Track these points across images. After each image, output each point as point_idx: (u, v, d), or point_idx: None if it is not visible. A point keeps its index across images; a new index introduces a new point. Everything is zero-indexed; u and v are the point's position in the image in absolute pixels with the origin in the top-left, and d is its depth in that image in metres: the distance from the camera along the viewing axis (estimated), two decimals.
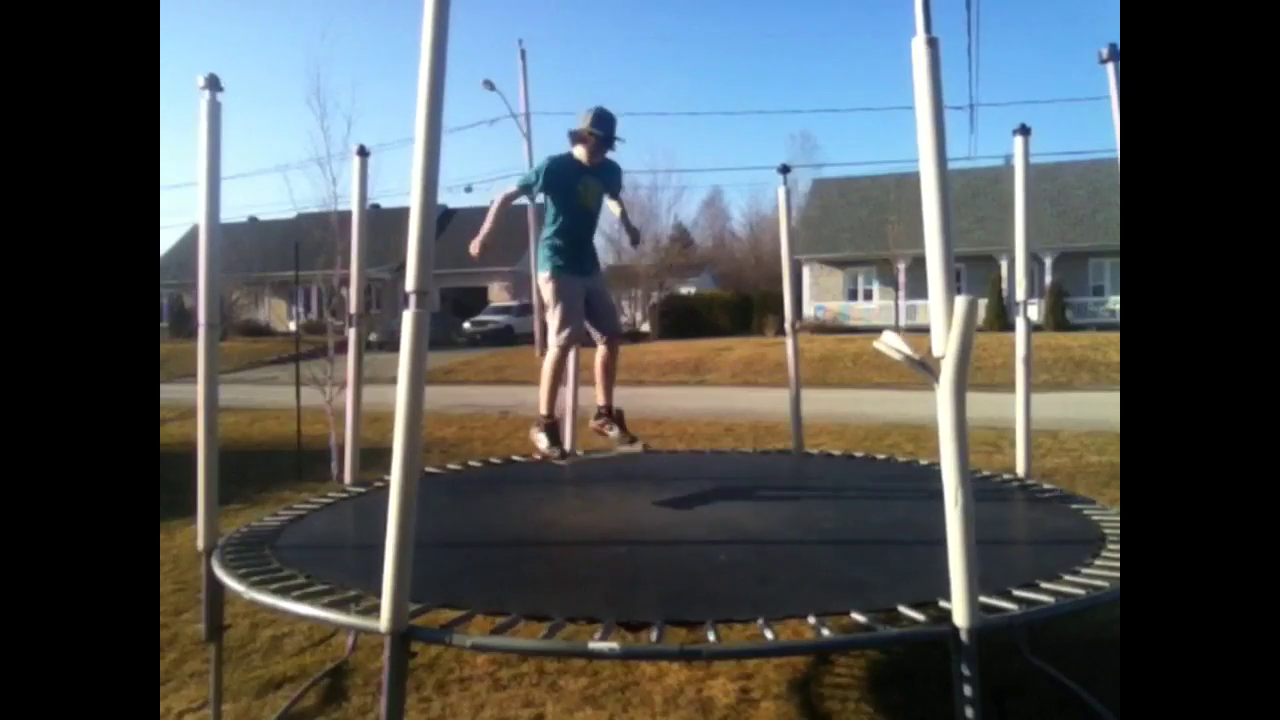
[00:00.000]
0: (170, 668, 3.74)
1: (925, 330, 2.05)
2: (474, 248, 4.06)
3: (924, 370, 2.03)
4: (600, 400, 4.15)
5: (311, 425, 8.60)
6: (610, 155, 4.13)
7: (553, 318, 3.98)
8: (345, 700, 3.43)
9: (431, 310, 2.43)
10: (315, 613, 2.41)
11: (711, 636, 2.18)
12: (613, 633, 2.17)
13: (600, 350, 4.14)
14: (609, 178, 4.16)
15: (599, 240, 4.71)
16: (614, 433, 4.13)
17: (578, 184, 3.98)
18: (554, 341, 3.98)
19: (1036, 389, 4.04)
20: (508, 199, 4.05)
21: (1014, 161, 4.02)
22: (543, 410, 4.03)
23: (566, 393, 4.44)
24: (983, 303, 26.50)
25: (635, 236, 4.47)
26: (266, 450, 9.59)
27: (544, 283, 4.01)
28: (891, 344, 2.19)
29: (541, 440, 4.04)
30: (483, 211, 4.21)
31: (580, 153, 4.00)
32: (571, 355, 4.87)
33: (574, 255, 4.03)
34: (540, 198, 4.03)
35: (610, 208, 4.27)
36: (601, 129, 3.94)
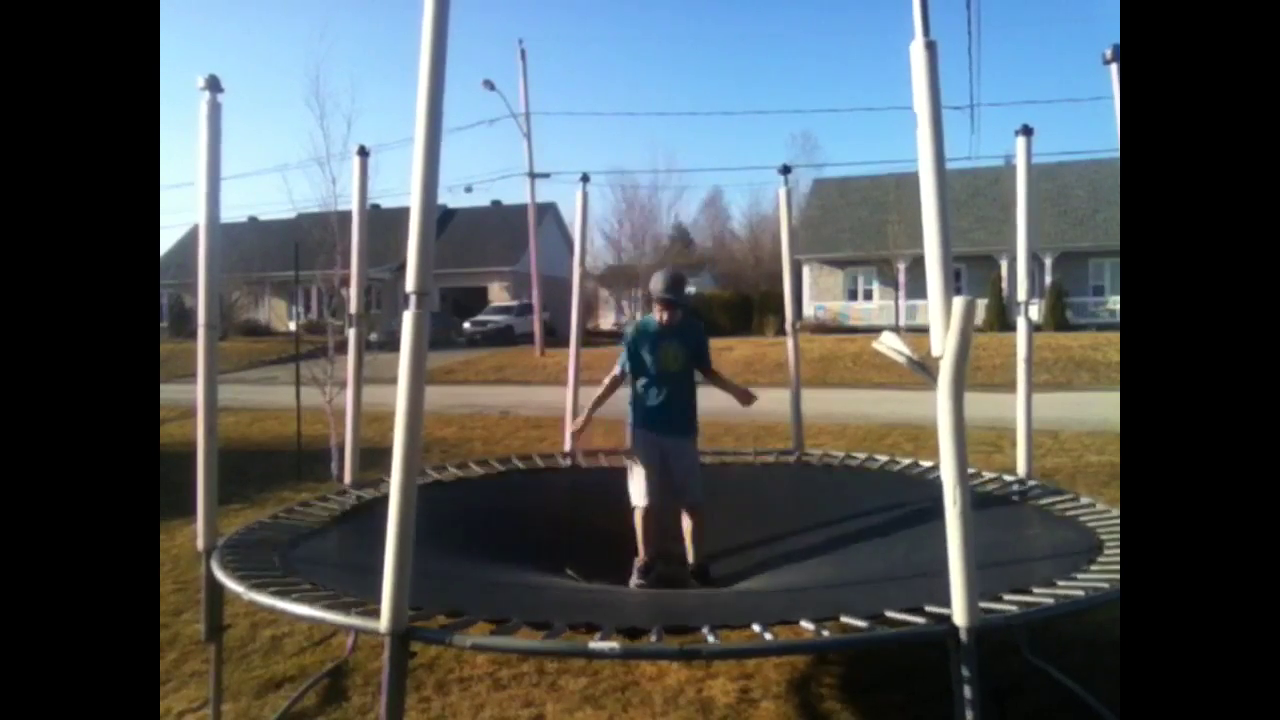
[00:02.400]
0: (170, 668, 3.74)
1: (925, 330, 2.05)
2: (577, 426, 4.29)
3: (923, 371, 2.03)
4: (690, 557, 4.04)
5: (311, 425, 8.60)
6: (690, 319, 4.21)
7: (630, 476, 4.06)
8: (345, 700, 3.43)
9: (431, 310, 2.43)
10: (315, 613, 2.41)
11: (711, 637, 2.18)
12: (612, 634, 2.17)
13: (683, 516, 4.05)
14: (688, 339, 4.14)
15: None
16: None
17: (657, 348, 4.07)
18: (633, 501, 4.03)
19: (1036, 389, 4.03)
20: (614, 381, 4.19)
21: (1015, 161, 4.02)
22: (641, 555, 4.00)
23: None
24: (982, 303, 26.72)
25: (745, 399, 4.23)
26: (266, 450, 9.60)
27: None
28: (890, 345, 2.19)
29: (632, 579, 3.97)
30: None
31: (658, 315, 4.07)
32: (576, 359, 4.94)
33: (652, 415, 4.06)
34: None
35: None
36: (670, 294, 4.02)
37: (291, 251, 9.41)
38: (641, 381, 4.10)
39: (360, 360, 4.32)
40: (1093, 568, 2.65)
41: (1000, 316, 26.71)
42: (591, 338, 28.43)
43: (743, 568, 3.74)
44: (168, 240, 37.87)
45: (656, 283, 4.07)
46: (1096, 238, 28.86)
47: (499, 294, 37.23)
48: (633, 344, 4.09)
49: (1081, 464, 8.06)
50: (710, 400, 4.29)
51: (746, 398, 4.14)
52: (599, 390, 4.17)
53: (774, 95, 75.89)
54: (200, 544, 3.02)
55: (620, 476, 4.12)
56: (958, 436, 1.98)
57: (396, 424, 2.09)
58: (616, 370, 4.14)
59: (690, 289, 4.15)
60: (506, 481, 4.67)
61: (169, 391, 8.59)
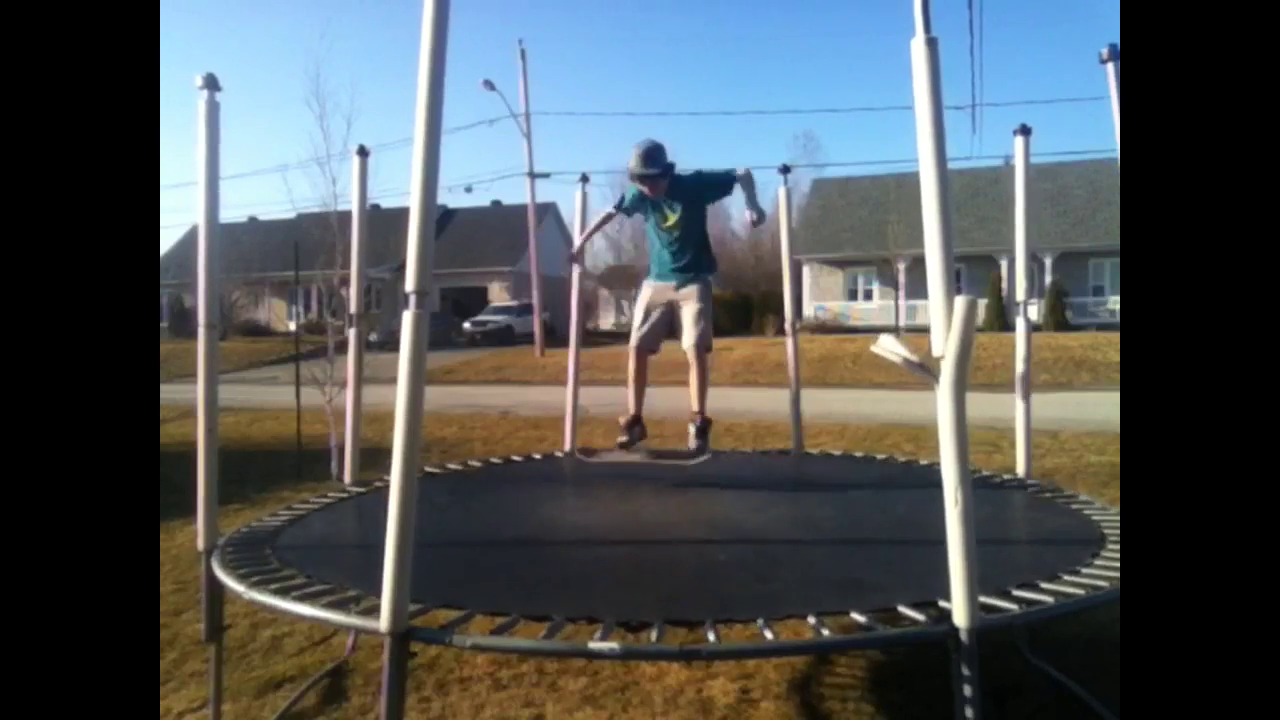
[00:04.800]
0: (170, 668, 3.74)
1: (925, 330, 2.05)
2: (573, 251, 4.68)
3: (923, 372, 2.03)
4: (691, 406, 4.23)
5: (311, 425, 8.61)
6: (682, 173, 4.26)
7: (632, 324, 4.32)
8: (345, 700, 3.43)
9: (431, 310, 2.43)
10: (315, 613, 2.41)
11: (711, 637, 2.18)
12: (613, 633, 2.17)
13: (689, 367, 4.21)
14: (687, 195, 4.21)
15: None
16: (690, 432, 4.20)
17: (651, 212, 4.25)
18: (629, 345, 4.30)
19: (1036, 389, 4.04)
20: (607, 216, 4.58)
21: (1014, 161, 4.02)
22: (629, 409, 4.26)
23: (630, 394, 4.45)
24: (983, 303, 26.73)
25: (757, 217, 4.30)
26: (266, 450, 9.59)
27: None
28: (889, 348, 2.19)
29: (618, 438, 4.20)
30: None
31: (645, 191, 4.18)
32: (574, 359, 5.14)
33: (658, 266, 4.30)
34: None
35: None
36: (648, 169, 4.08)
37: (291, 251, 9.41)
38: (651, 241, 4.33)
39: (360, 360, 4.32)
40: (1092, 567, 2.65)
41: (1000, 316, 26.73)
42: (591, 338, 28.47)
43: (739, 560, 3.73)
44: (168, 240, 37.96)
45: (631, 161, 4.13)
46: (1096, 238, 28.88)
47: (499, 294, 37.25)
48: (631, 205, 4.30)
49: (1081, 464, 8.06)
50: (711, 400, 4.30)
51: (759, 217, 4.23)
52: (593, 223, 4.64)
53: (774, 95, 75.89)
54: (200, 544, 3.02)
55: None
56: (959, 436, 1.98)
57: (396, 424, 2.08)
58: (612, 208, 4.45)
59: (669, 160, 4.20)
60: (506, 467, 4.79)
61: (169, 391, 8.60)
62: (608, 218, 4.59)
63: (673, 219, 4.21)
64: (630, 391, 4.28)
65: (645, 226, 4.39)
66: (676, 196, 4.22)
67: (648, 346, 4.20)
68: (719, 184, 4.29)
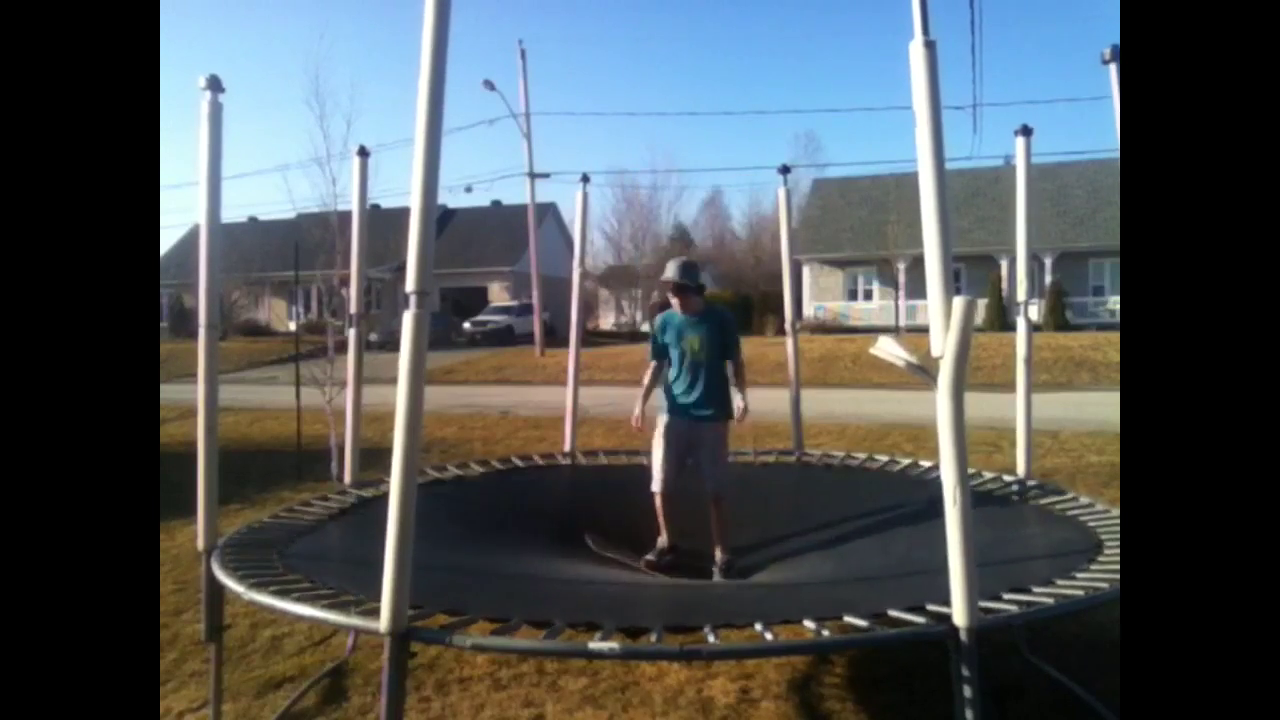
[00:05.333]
0: (170, 668, 3.74)
1: (925, 330, 2.05)
2: (634, 421, 4.29)
3: (922, 374, 2.03)
4: (715, 549, 4.02)
5: (311, 425, 8.60)
6: (717, 306, 4.28)
7: (652, 461, 4.12)
8: (345, 700, 3.43)
9: (431, 310, 2.43)
10: (315, 613, 2.41)
11: (711, 637, 2.18)
12: (613, 634, 2.17)
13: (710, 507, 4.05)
14: (715, 328, 4.14)
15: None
16: (715, 572, 3.98)
17: (681, 337, 4.11)
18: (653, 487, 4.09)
19: (1036, 389, 4.04)
20: (651, 369, 4.29)
21: (1014, 161, 4.02)
22: (661, 537, 4.02)
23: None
24: (982, 303, 26.73)
25: (739, 415, 4.18)
26: (266, 450, 9.59)
27: None
28: (889, 351, 2.19)
29: (650, 555, 3.99)
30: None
31: (675, 304, 4.12)
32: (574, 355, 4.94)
33: (678, 402, 4.11)
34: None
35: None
36: (683, 278, 4.06)
37: (291, 251, 9.41)
38: (671, 370, 4.17)
39: (360, 360, 4.32)
40: (1092, 568, 2.65)
41: (1000, 316, 26.71)
42: (591, 338, 28.46)
43: (744, 566, 3.74)
44: (168, 240, 37.92)
45: (669, 270, 4.11)
46: (1096, 238, 28.86)
47: (499, 294, 37.22)
48: (659, 334, 4.18)
49: (1081, 464, 8.06)
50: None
51: (740, 415, 4.08)
52: (643, 384, 4.32)
53: (774, 95, 75.82)
54: (200, 544, 3.02)
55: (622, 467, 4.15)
56: (958, 437, 1.98)
57: (396, 424, 2.08)
58: (649, 359, 4.27)
59: (704, 277, 4.21)
60: (512, 475, 4.70)
61: (169, 391, 8.60)
62: (655, 373, 4.27)
63: (700, 344, 4.08)
64: (663, 524, 4.03)
65: (664, 359, 4.21)
66: (707, 321, 4.13)
67: (671, 487, 4.01)
68: (734, 344, 4.21)
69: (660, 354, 4.19)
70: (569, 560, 3.69)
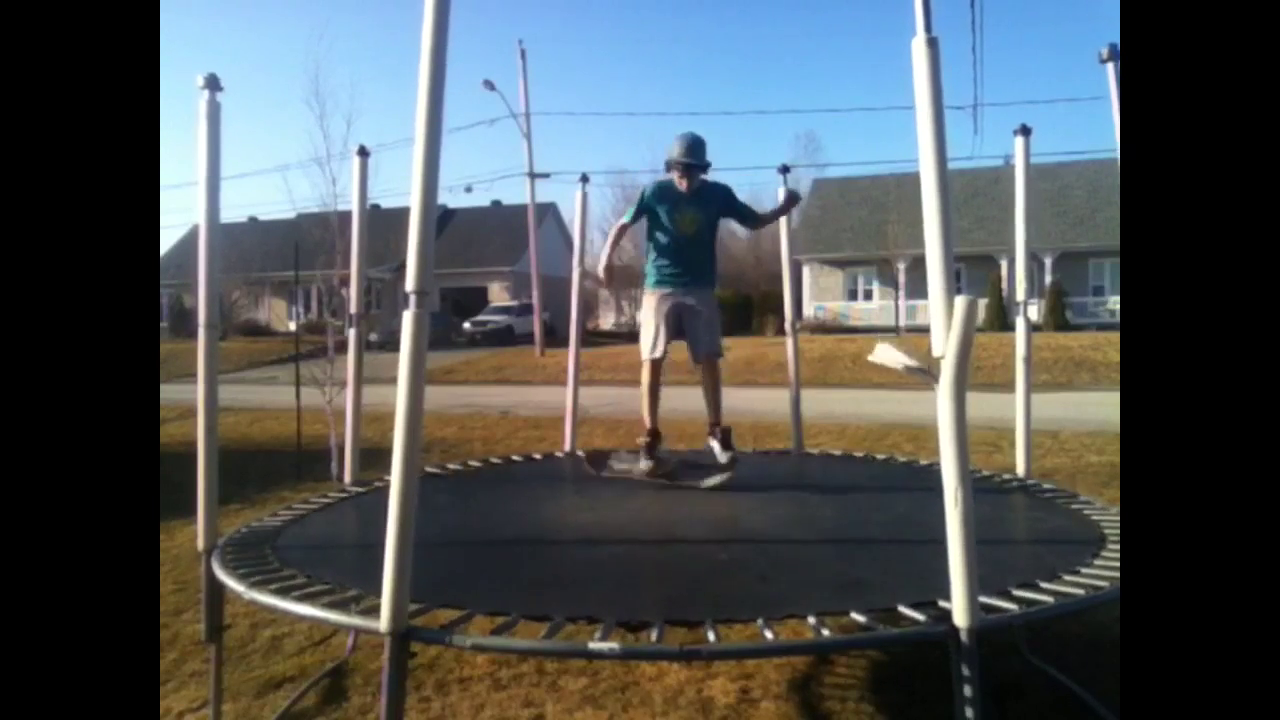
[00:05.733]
0: (170, 668, 3.74)
1: (925, 330, 2.04)
2: (601, 273, 4.32)
3: (924, 376, 2.03)
4: (709, 417, 4.20)
5: (311, 425, 8.60)
6: (709, 179, 4.26)
7: (642, 335, 4.21)
8: (345, 700, 3.43)
9: (431, 310, 2.42)
10: (315, 613, 2.41)
11: (711, 636, 2.18)
12: (613, 633, 2.17)
13: (699, 370, 4.18)
14: (712, 202, 4.20)
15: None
16: (715, 447, 4.17)
17: (675, 211, 4.12)
18: (641, 359, 4.20)
19: (1036, 389, 4.04)
20: (622, 229, 4.31)
21: (1014, 161, 4.02)
22: (645, 423, 4.17)
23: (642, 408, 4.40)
24: (983, 303, 26.73)
25: (790, 201, 4.36)
26: (266, 450, 9.59)
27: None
28: (888, 357, 2.19)
29: (641, 462, 4.13)
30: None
31: (677, 180, 4.13)
32: (573, 358, 5.12)
33: (668, 274, 4.17)
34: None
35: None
36: (690, 158, 4.06)
37: (291, 251, 9.41)
38: (659, 243, 4.17)
39: (360, 360, 4.32)
40: (1092, 567, 2.65)
41: (1000, 316, 26.72)
42: (591, 338, 28.45)
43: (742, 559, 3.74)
44: (168, 240, 37.96)
45: (675, 147, 4.10)
46: (1096, 238, 28.88)
47: (499, 294, 37.24)
48: (649, 204, 4.14)
49: (1081, 464, 8.06)
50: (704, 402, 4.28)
51: (791, 200, 4.25)
52: (610, 239, 4.34)
53: (774, 95, 75.85)
54: (200, 544, 3.02)
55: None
56: (959, 437, 1.98)
57: (396, 424, 2.08)
58: (625, 219, 4.26)
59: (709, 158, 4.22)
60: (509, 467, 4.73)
61: (169, 391, 8.60)
62: (623, 230, 4.33)
63: (694, 221, 4.14)
64: (646, 406, 4.18)
65: (649, 231, 4.26)
66: (704, 198, 4.17)
67: (663, 356, 4.12)
68: (743, 208, 4.29)
69: (640, 217, 4.17)
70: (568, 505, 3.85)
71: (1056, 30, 66.82)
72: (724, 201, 4.24)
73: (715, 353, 4.08)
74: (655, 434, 4.12)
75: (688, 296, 4.14)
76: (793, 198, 4.31)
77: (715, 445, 4.14)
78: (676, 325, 4.14)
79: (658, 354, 4.08)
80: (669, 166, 4.16)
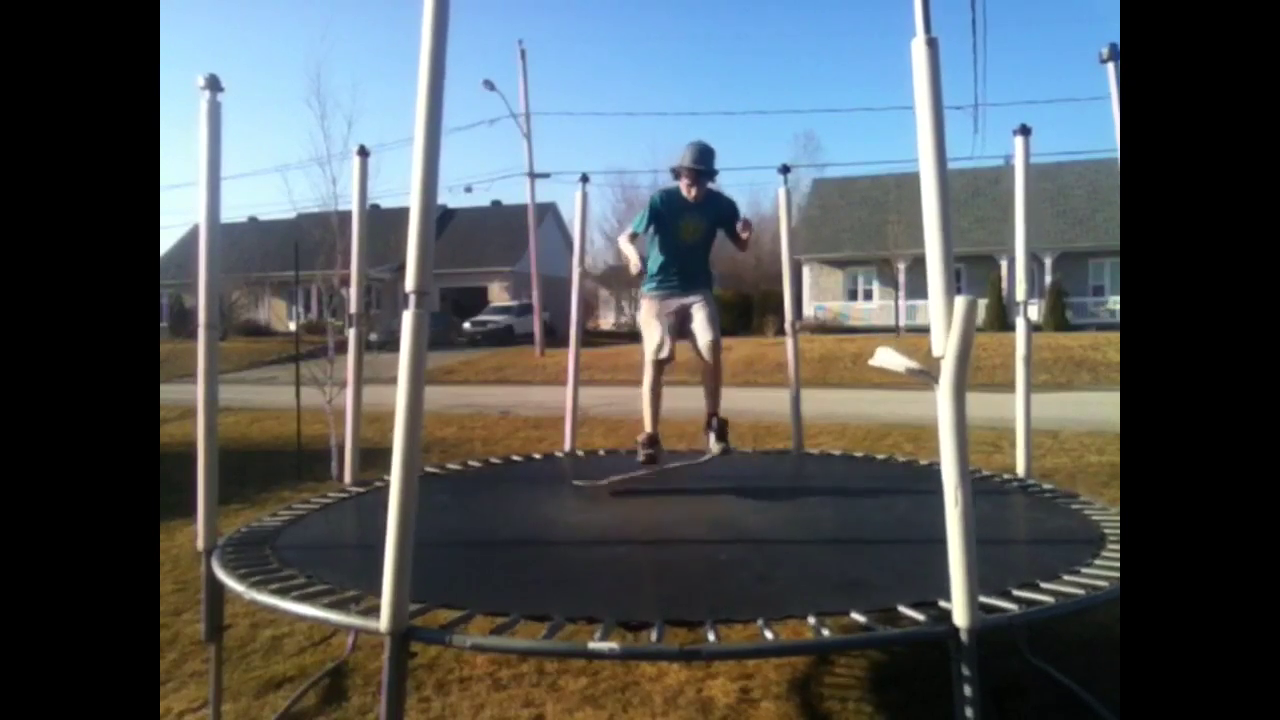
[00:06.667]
0: (170, 668, 3.74)
1: (925, 330, 2.04)
2: (634, 271, 4.31)
3: (925, 377, 2.03)
4: (706, 408, 4.28)
5: (311, 425, 8.60)
6: (715, 188, 4.35)
7: (645, 338, 4.28)
8: (345, 700, 3.43)
9: (431, 310, 2.42)
10: (315, 613, 2.41)
11: (711, 636, 2.18)
12: (612, 633, 2.17)
13: (701, 364, 4.24)
14: (715, 212, 4.28)
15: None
16: (710, 438, 4.24)
17: (679, 218, 4.21)
18: (645, 362, 4.26)
19: (1036, 389, 4.04)
20: (632, 237, 4.29)
21: (1014, 161, 4.02)
22: (645, 428, 4.23)
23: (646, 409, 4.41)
24: (982, 303, 26.74)
25: (741, 245, 4.40)
26: (266, 450, 9.59)
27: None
28: (888, 360, 2.19)
29: (639, 453, 4.20)
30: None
31: (685, 187, 4.20)
32: (575, 360, 5.15)
33: (669, 277, 4.25)
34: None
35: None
36: (699, 164, 4.14)
37: (291, 251, 9.41)
38: (661, 248, 4.26)
39: (360, 360, 4.32)
40: (1092, 567, 2.65)
41: (1000, 316, 26.72)
42: (591, 338, 28.45)
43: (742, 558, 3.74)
44: (168, 240, 37.95)
45: (686, 154, 4.17)
46: (1096, 238, 28.88)
47: (499, 294, 37.24)
48: (656, 212, 4.22)
49: (1081, 464, 8.06)
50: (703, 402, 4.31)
51: (745, 227, 4.27)
52: (627, 249, 4.29)
53: (774, 95, 75.77)
54: (200, 544, 3.02)
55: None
56: (959, 437, 1.98)
57: (396, 424, 2.08)
58: (636, 229, 4.31)
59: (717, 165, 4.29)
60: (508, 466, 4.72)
61: (169, 391, 8.59)
62: (634, 239, 4.25)
63: (697, 229, 4.23)
64: (648, 409, 4.22)
65: (651, 236, 4.28)
66: (707, 207, 4.24)
67: (668, 357, 4.17)
68: (737, 218, 4.33)
69: (648, 225, 4.23)
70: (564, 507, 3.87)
71: (1056, 30, 66.79)
72: (727, 215, 4.31)
73: (719, 346, 4.16)
74: (654, 440, 4.14)
75: (687, 297, 4.22)
76: (745, 225, 4.34)
77: (710, 436, 4.20)
78: (679, 325, 4.22)
79: (664, 355, 4.13)
80: (677, 173, 4.23)
